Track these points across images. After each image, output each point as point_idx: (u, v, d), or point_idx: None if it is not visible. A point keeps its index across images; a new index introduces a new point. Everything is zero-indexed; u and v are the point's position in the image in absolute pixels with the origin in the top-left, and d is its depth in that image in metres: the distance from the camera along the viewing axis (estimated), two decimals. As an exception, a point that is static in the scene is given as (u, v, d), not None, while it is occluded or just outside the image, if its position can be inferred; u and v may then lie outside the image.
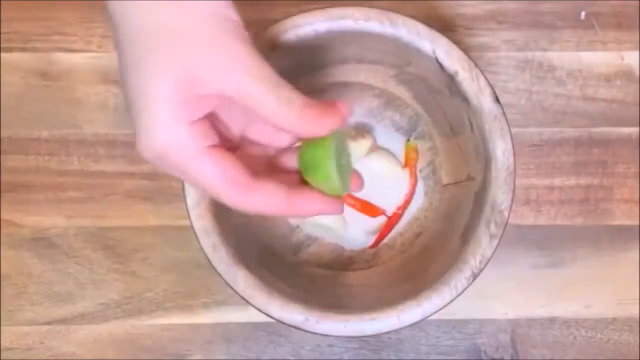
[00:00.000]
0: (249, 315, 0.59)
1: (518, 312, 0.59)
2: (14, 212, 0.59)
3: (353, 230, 0.58)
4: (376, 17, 0.48)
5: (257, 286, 0.49)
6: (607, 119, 0.59)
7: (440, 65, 0.48)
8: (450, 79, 0.49)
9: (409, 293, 0.50)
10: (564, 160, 0.59)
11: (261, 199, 0.40)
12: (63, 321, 0.59)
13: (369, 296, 0.55)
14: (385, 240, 0.58)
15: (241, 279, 0.49)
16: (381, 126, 0.58)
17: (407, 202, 0.58)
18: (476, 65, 0.48)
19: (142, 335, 0.59)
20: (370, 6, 0.49)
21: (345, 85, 0.57)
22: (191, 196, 0.49)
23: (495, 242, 0.49)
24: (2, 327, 0.59)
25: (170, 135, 0.38)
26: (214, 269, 0.49)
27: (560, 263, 0.60)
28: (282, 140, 0.43)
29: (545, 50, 0.59)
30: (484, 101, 0.48)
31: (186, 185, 0.49)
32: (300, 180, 0.43)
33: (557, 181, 0.59)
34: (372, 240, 0.58)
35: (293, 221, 0.58)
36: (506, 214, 0.49)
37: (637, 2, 0.59)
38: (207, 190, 0.40)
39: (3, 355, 0.59)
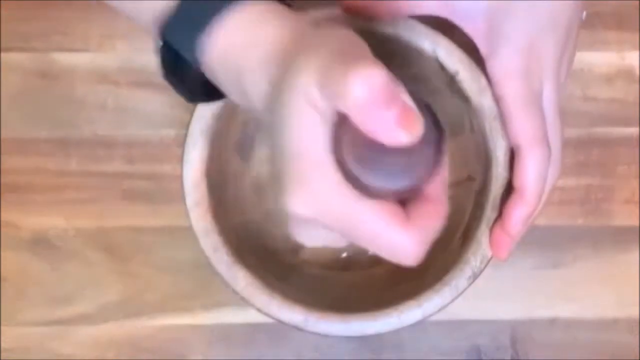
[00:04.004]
0: (249, 316, 0.59)
1: (518, 312, 0.59)
2: (13, 213, 0.59)
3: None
4: (376, 17, 0.48)
5: (257, 286, 0.49)
6: (607, 119, 0.59)
7: (441, 65, 0.48)
8: (451, 79, 0.49)
9: (409, 293, 0.49)
10: (565, 160, 0.59)
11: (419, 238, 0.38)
12: (63, 322, 0.59)
13: (369, 296, 0.55)
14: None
15: (241, 279, 0.49)
16: (381, 126, 0.58)
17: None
18: (477, 65, 0.48)
19: (142, 336, 0.59)
20: (370, 6, 0.49)
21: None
22: (191, 196, 0.49)
23: (495, 242, 0.49)
24: (1, 328, 0.59)
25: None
26: (214, 269, 0.49)
27: (561, 264, 0.60)
28: None
29: (545, 50, 0.59)
30: (484, 101, 0.48)
31: (185, 185, 0.49)
32: None
33: (557, 181, 0.59)
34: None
35: None
36: (507, 214, 0.49)
37: (638, 2, 0.59)
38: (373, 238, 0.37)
39: (3, 356, 0.59)
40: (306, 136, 0.36)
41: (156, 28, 0.41)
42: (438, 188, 0.39)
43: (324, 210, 0.36)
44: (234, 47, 0.39)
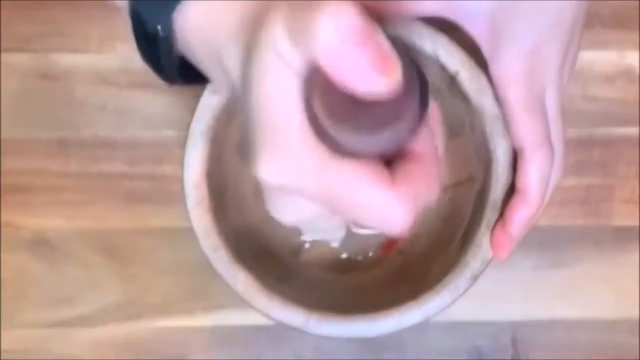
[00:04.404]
0: (249, 318, 0.58)
1: (519, 313, 0.59)
2: (13, 214, 0.59)
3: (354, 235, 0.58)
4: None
5: (257, 287, 0.49)
6: (608, 119, 0.59)
7: (442, 66, 0.48)
8: (451, 79, 0.49)
9: (409, 295, 0.49)
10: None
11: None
12: (62, 324, 0.59)
13: (369, 298, 0.54)
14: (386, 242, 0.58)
15: (241, 280, 0.49)
16: (381, 127, 0.58)
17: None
18: (477, 65, 0.48)
19: (142, 338, 0.59)
20: (370, 6, 0.49)
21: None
22: (191, 197, 0.49)
23: (496, 243, 0.49)
24: (1, 330, 0.59)
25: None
26: (215, 270, 0.49)
27: (561, 264, 0.59)
28: None
29: (545, 50, 0.59)
30: (484, 101, 0.48)
31: (186, 186, 0.49)
32: None
33: (558, 182, 0.59)
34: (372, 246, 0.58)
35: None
36: (507, 215, 0.49)
37: (638, 1, 0.59)
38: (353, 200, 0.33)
39: (2, 357, 0.59)
40: (275, 93, 0.32)
41: (128, 3, 0.39)
42: (427, 146, 0.35)
43: (297, 175, 0.33)
44: (209, 20, 0.37)
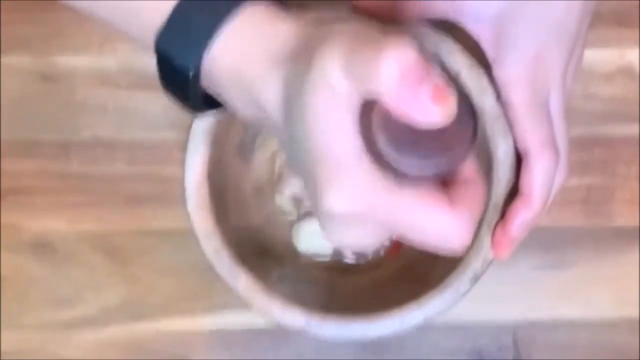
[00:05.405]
0: (250, 320, 0.59)
1: (520, 313, 0.59)
2: (14, 215, 0.59)
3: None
4: (376, 17, 0.48)
5: (258, 289, 0.49)
6: (608, 118, 0.59)
7: (443, 65, 0.48)
8: (453, 79, 0.49)
9: (410, 296, 0.49)
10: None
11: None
12: (64, 325, 0.59)
13: (371, 299, 0.55)
14: (386, 243, 0.58)
15: (242, 282, 0.49)
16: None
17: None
18: (478, 65, 0.48)
19: (143, 339, 0.59)
20: (370, 7, 0.49)
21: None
22: (192, 199, 0.49)
23: (497, 243, 0.49)
24: (2, 331, 0.59)
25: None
26: (216, 271, 0.49)
27: (562, 264, 0.59)
28: None
29: (545, 50, 0.59)
30: (485, 102, 0.48)
31: (187, 188, 0.49)
32: None
33: (558, 183, 0.59)
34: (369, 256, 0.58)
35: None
36: (508, 215, 0.49)
37: (638, 1, 0.59)
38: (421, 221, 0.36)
39: (3, 358, 0.59)
40: (334, 128, 0.34)
41: (153, 43, 0.39)
42: (472, 169, 0.38)
43: (367, 202, 0.35)
44: (240, 58, 0.38)
